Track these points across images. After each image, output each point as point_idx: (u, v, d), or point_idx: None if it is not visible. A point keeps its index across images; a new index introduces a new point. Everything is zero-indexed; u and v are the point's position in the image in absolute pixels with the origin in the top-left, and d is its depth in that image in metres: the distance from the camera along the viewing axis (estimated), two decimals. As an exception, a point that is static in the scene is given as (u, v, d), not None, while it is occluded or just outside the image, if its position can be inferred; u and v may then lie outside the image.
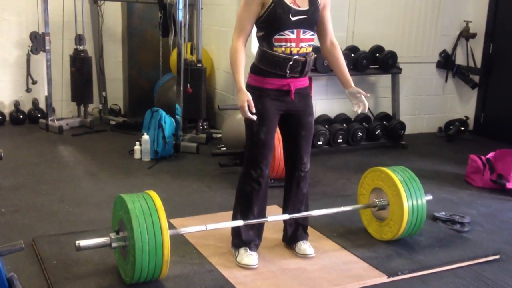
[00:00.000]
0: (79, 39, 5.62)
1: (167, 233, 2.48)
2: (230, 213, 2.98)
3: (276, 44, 2.69)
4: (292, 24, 2.67)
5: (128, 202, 2.51)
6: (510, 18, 5.76)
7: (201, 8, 5.23)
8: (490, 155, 4.49)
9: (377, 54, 5.41)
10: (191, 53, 5.29)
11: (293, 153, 2.92)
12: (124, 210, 2.53)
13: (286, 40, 2.68)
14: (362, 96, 2.84)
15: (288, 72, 2.72)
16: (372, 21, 5.57)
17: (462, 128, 6.01)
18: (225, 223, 2.88)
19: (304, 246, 2.99)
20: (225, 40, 5.67)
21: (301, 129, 2.86)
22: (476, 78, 6.06)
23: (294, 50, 2.70)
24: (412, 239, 3.24)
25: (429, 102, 6.13)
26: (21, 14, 5.72)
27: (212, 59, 5.95)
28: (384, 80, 5.72)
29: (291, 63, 2.70)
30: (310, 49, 2.78)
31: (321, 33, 2.87)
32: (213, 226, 2.80)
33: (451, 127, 6.02)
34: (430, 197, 3.19)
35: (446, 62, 6.03)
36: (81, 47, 5.63)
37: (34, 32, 5.38)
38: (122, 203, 2.55)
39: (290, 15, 2.65)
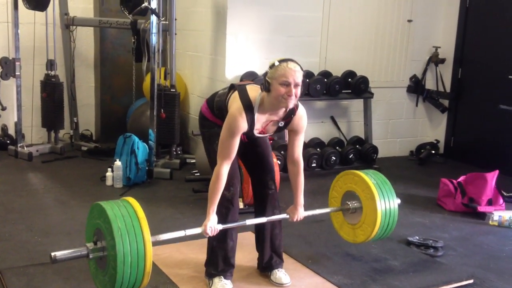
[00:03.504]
0: (50, 64, 5.55)
1: (149, 245, 2.38)
2: (204, 240, 2.93)
3: None
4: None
5: (107, 210, 2.39)
6: (478, 44, 5.91)
7: (175, 34, 5.24)
8: (461, 178, 4.54)
9: (349, 79, 5.48)
10: (165, 78, 5.27)
11: (255, 172, 2.96)
12: (103, 218, 2.41)
13: None
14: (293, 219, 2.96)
15: None
16: (344, 46, 5.65)
17: (433, 152, 6.09)
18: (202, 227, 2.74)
19: (280, 275, 2.97)
20: (199, 65, 5.68)
21: (255, 147, 2.91)
22: (446, 103, 6.18)
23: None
24: (386, 265, 3.24)
25: (400, 126, 6.22)
26: (-9, 39, 5.64)
27: (186, 84, 5.94)
28: (357, 105, 5.79)
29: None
30: None
31: (290, 145, 2.87)
32: (192, 232, 2.69)
33: (422, 151, 6.10)
34: (399, 201, 3.21)
35: (416, 87, 6.14)
36: (52, 73, 5.57)
37: (4, 57, 5.29)
38: (101, 212, 2.43)
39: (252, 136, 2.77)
